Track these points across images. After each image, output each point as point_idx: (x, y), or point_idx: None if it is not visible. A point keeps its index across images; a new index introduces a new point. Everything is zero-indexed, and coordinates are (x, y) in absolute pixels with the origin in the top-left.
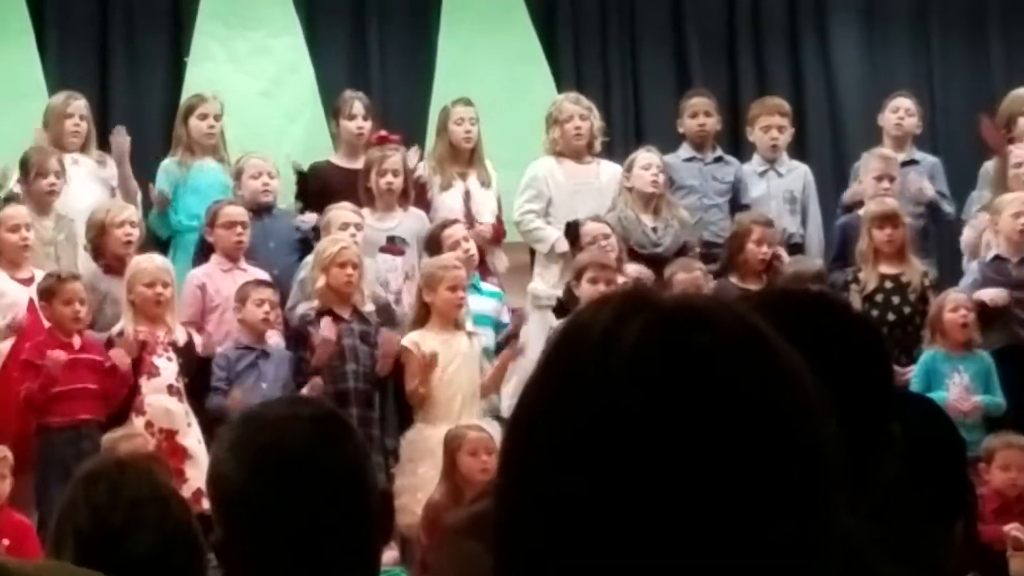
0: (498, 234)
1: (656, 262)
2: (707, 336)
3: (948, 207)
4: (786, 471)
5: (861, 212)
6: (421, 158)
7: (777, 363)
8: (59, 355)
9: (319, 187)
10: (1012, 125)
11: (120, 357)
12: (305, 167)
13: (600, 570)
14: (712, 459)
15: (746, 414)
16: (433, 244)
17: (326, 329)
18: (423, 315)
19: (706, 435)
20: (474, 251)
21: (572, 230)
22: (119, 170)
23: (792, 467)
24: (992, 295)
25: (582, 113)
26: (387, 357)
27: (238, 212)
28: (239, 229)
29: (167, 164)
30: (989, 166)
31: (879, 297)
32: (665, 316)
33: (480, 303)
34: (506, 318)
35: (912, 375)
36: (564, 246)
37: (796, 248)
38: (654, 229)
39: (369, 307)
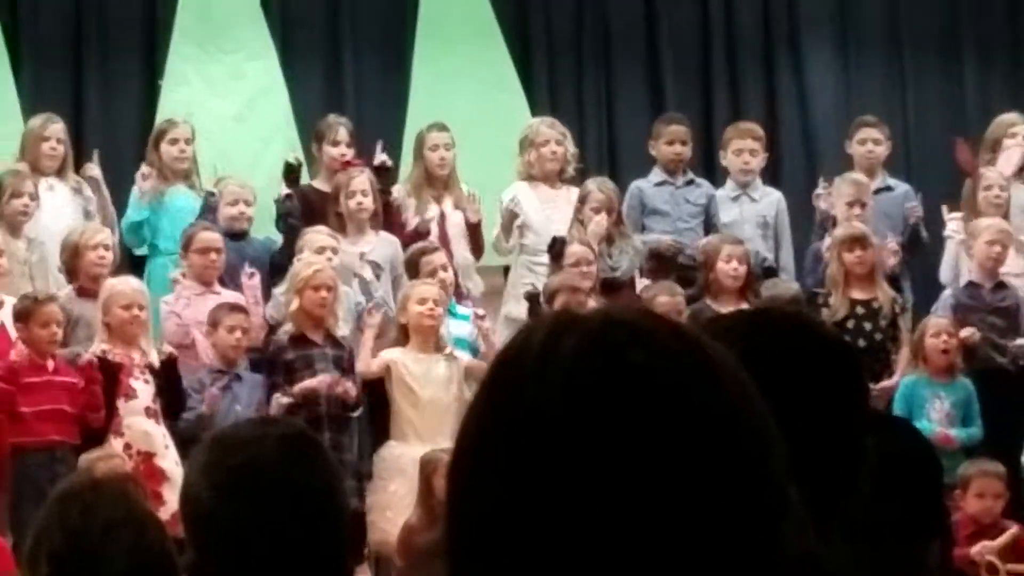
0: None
1: (613, 287)
2: (642, 350)
3: (924, 232)
4: (729, 481)
5: (828, 238)
6: (385, 150)
7: (715, 374)
8: (22, 349)
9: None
10: (997, 149)
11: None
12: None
13: None
14: (654, 472)
15: (685, 426)
16: (411, 268)
17: (319, 381)
18: (402, 338)
19: (646, 448)
20: (451, 278)
21: (557, 246)
22: (97, 198)
23: (735, 477)
24: (966, 334)
25: (557, 138)
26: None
27: (212, 238)
28: (212, 256)
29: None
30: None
31: (850, 323)
32: (599, 332)
33: (456, 327)
34: (482, 343)
35: (894, 400)
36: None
37: (769, 272)
38: (609, 255)
39: (343, 331)
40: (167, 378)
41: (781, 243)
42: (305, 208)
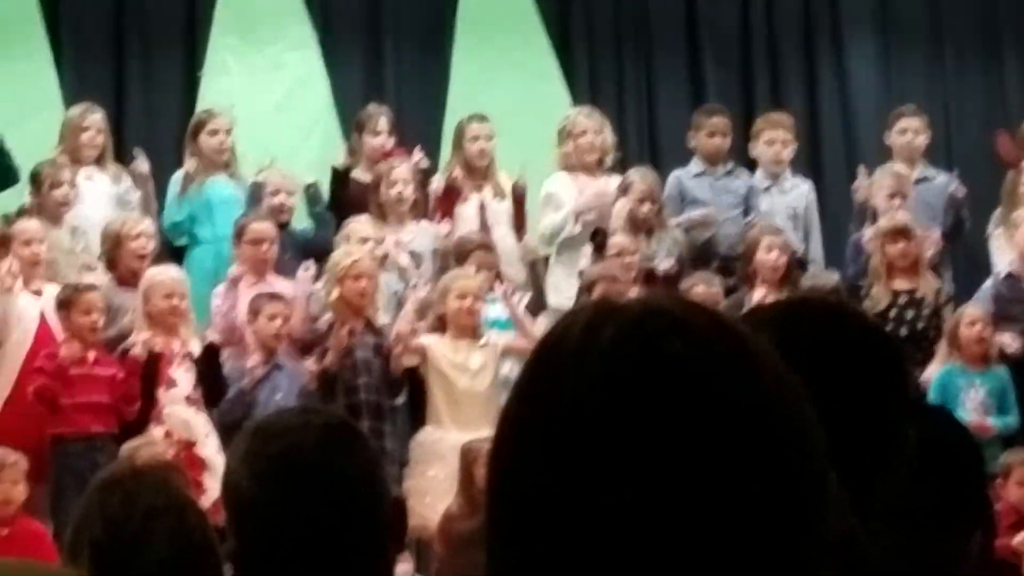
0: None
1: (655, 278)
2: (680, 340)
3: (966, 213)
4: (769, 468)
5: (870, 230)
6: (426, 165)
7: (753, 362)
8: (74, 347)
9: (340, 200)
10: None
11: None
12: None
13: None
14: (693, 460)
15: (724, 415)
16: (460, 258)
17: (339, 336)
18: (439, 326)
19: (684, 438)
20: (494, 276)
21: (599, 236)
22: (142, 193)
23: (775, 464)
24: (1006, 342)
25: (595, 128)
26: (398, 350)
27: (265, 228)
28: (265, 246)
29: (180, 174)
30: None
31: (892, 313)
32: (638, 321)
33: (493, 310)
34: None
35: (930, 389)
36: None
37: (800, 264)
38: (648, 246)
39: (382, 319)
40: (208, 367)
41: (811, 234)
42: (346, 198)
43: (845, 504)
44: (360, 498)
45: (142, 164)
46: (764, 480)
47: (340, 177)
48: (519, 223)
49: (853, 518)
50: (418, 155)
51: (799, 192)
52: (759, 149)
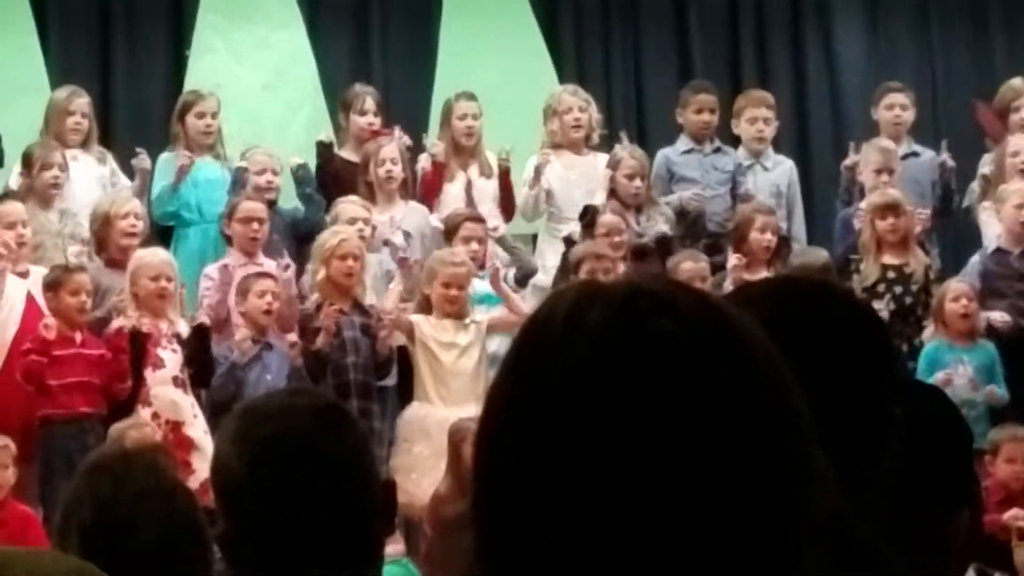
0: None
1: (643, 253)
2: (667, 319)
3: (955, 187)
4: (757, 447)
5: (862, 204)
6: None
7: (740, 341)
8: (50, 322)
9: (326, 179)
10: (1007, 114)
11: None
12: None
13: (578, 557)
14: (681, 440)
15: (711, 395)
16: (448, 234)
17: (326, 315)
18: (425, 305)
19: (672, 417)
20: (483, 251)
21: (589, 215)
22: (137, 182)
23: (762, 443)
24: (995, 318)
25: (580, 105)
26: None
27: (255, 208)
28: (255, 225)
29: (165, 158)
30: (987, 158)
31: (881, 287)
32: (624, 302)
33: (480, 284)
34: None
35: (918, 365)
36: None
37: (783, 241)
38: (638, 222)
39: (370, 299)
40: (197, 347)
41: (793, 212)
42: (334, 178)
43: (833, 483)
44: (350, 480)
45: (144, 162)
46: (751, 458)
47: (325, 152)
48: (506, 203)
49: (841, 497)
50: (398, 134)
51: (782, 170)
52: (741, 127)
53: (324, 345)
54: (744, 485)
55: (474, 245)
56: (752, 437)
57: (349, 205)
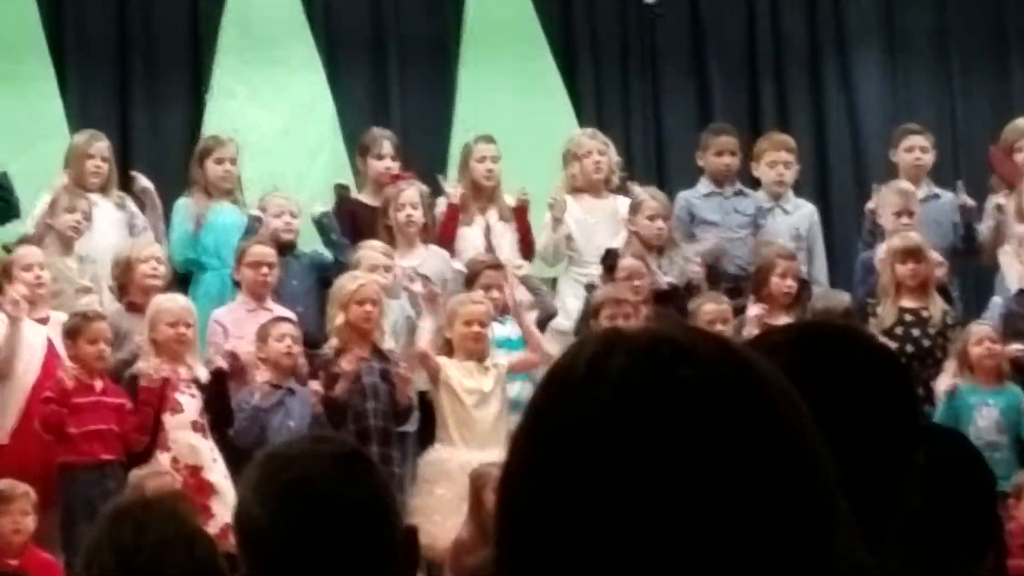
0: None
1: (665, 297)
2: (690, 367)
3: (978, 225)
4: (779, 494)
5: (883, 247)
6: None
7: (763, 389)
8: (69, 370)
9: (342, 222)
10: (1012, 153)
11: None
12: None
13: None
14: (704, 487)
15: (734, 442)
16: (469, 281)
17: (347, 362)
18: (446, 350)
19: (695, 464)
20: (503, 298)
21: (610, 258)
22: (150, 214)
23: (785, 490)
24: (1015, 348)
25: (600, 148)
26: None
27: (265, 252)
28: (265, 269)
29: (183, 203)
30: (994, 200)
31: (898, 330)
32: (647, 349)
33: (501, 329)
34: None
35: (938, 409)
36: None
37: (803, 285)
38: (659, 266)
39: (389, 344)
40: (216, 392)
41: (814, 256)
42: (353, 222)
43: (855, 530)
44: (372, 526)
45: (143, 181)
46: (773, 506)
47: (343, 194)
48: (525, 242)
49: (863, 543)
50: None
51: (802, 213)
52: (761, 170)
53: (343, 392)
54: (766, 532)
55: (494, 293)
56: (774, 484)
57: (370, 251)
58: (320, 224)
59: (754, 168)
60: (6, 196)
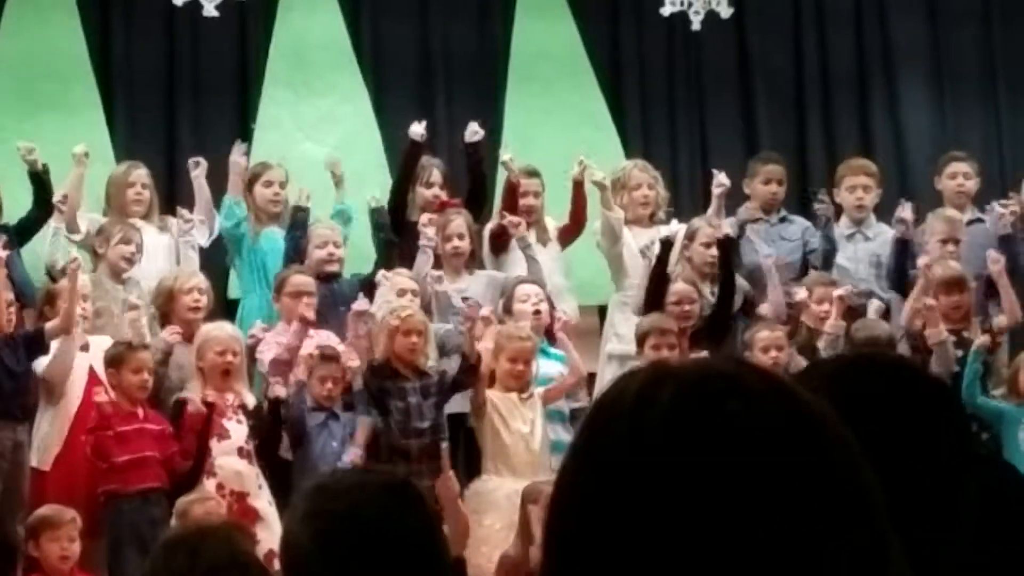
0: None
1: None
2: (739, 400)
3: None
4: (829, 531)
5: (920, 262)
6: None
7: (812, 423)
8: (105, 397)
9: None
10: None
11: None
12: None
13: None
14: (752, 520)
15: (783, 476)
16: (507, 303)
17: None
18: (489, 379)
19: (744, 498)
20: (546, 315)
21: (666, 247)
22: (200, 197)
23: (835, 526)
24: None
25: (649, 182)
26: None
27: (304, 281)
28: (306, 299)
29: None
30: None
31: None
32: (697, 381)
33: (547, 366)
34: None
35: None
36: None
37: (887, 314)
38: (712, 293)
39: (431, 363)
40: (270, 419)
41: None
42: (408, 241)
43: (906, 566)
44: (420, 557)
45: (195, 169)
46: (824, 542)
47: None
48: (576, 217)
49: None
50: (475, 131)
51: (884, 239)
52: (842, 195)
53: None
54: (816, 568)
55: (535, 306)
56: (824, 519)
57: (398, 277)
58: (375, 219)
59: (835, 193)
60: (44, 195)
